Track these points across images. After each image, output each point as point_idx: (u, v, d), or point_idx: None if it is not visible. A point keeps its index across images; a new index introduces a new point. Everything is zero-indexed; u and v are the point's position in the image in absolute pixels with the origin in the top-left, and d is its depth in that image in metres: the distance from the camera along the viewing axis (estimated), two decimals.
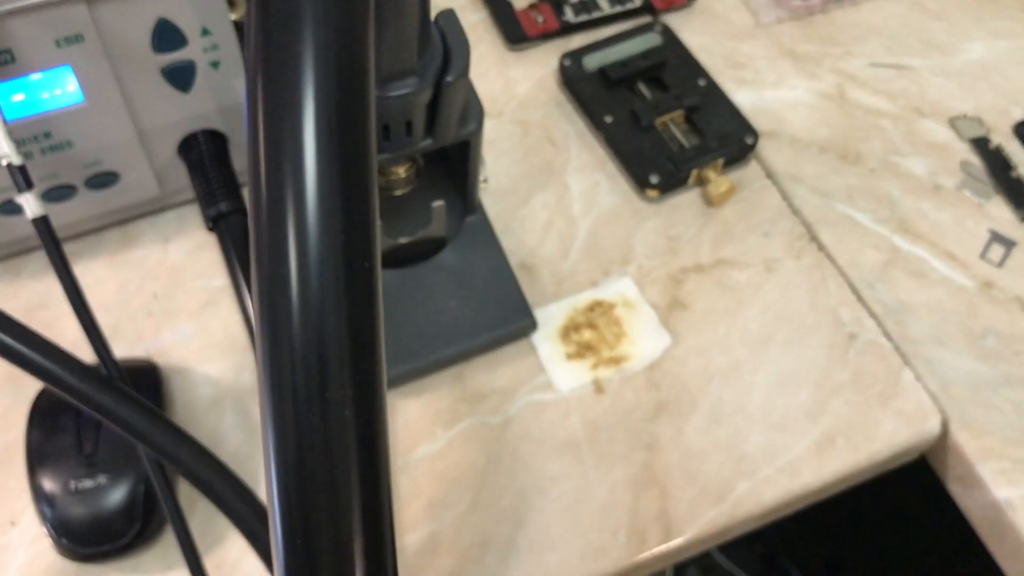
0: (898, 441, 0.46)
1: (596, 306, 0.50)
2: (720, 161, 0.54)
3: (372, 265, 0.16)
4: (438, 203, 0.46)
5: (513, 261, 0.50)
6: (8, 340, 0.32)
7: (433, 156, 0.50)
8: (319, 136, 0.15)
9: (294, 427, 0.15)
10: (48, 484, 0.41)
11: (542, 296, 0.50)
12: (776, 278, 0.52)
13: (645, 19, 0.63)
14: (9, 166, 0.37)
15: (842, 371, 0.48)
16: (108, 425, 0.35)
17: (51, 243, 0.36)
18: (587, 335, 0.49)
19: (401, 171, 0.46)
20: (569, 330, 0.49)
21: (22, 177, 0.37)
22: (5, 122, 0.37)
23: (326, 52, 0.15)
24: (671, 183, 0.54)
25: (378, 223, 0.16)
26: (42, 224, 0.36)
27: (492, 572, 0.42)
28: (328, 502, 0.15)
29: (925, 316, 0.50)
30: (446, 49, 0.38)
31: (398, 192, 0.47)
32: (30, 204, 0.37)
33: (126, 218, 0.51)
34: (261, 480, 0.42)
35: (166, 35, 0.42)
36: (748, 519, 0.45)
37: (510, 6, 0.62)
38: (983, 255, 0.53)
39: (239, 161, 0.47)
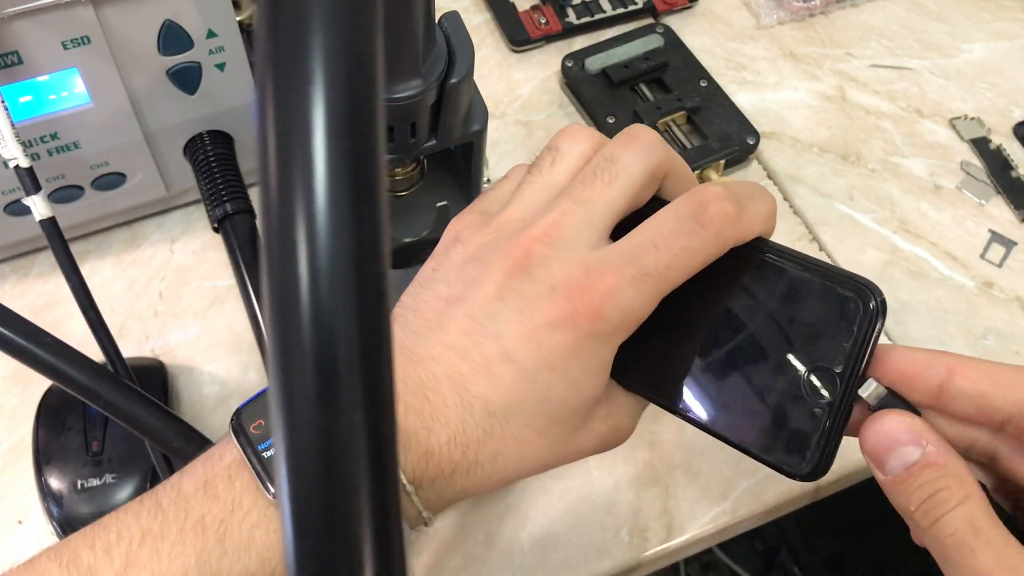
0: None
1: None
2: (722, 162, 0.54)
3: (382, 269, 0.16)
4: (442, 204, 0.47)
5: None
6: (19, 340, 0.33)
7: (437, 157, 0.50)
8: (329, 140, 0.15)
9: (305, 430, 0.15)
10: (55, 483, 0.41)
11: None
12: None
13: (647, 21, 0.63)
14: (17, 168, 0.37)
15: None
16: (117, 422, 0.35)
17: (59, 245, 0.36)
18: None
19: (405, 172, 0.46)
20: None
21: (30, 180, 0.37)
22: (12, 124, 0.37)
23: (336, 54, 0.15)
24: None
25: (388, 227, 0.16)
26: (50, 226, 0.37)
27: (496, 570, 0.43)
28: (339, 504, 0.15)
29: (925, 316, 0.51)
30: (450, 51, 0.38)
31: (402, 193, 0.47)
32: (38, 206, 0.37)
33: (133, 218, 0.52)
34: None
35: (172, 37, 0.42)
36: (749, 518, 0.45)
37: (513, 8, 0.62)
38: (983, 255, 0.53)
39: (245, 161, 0.47)
